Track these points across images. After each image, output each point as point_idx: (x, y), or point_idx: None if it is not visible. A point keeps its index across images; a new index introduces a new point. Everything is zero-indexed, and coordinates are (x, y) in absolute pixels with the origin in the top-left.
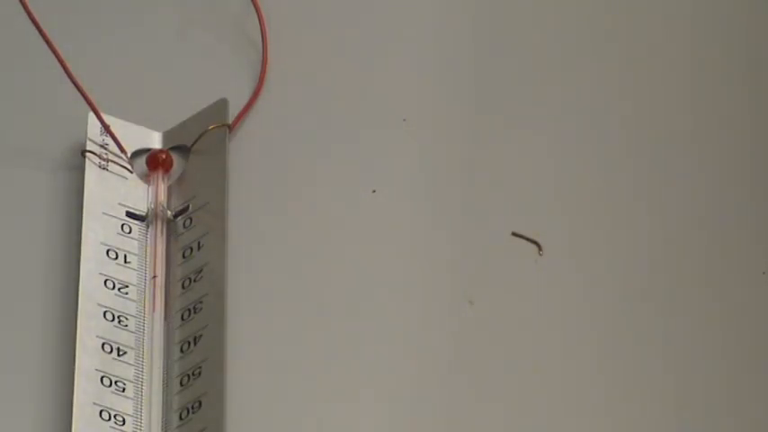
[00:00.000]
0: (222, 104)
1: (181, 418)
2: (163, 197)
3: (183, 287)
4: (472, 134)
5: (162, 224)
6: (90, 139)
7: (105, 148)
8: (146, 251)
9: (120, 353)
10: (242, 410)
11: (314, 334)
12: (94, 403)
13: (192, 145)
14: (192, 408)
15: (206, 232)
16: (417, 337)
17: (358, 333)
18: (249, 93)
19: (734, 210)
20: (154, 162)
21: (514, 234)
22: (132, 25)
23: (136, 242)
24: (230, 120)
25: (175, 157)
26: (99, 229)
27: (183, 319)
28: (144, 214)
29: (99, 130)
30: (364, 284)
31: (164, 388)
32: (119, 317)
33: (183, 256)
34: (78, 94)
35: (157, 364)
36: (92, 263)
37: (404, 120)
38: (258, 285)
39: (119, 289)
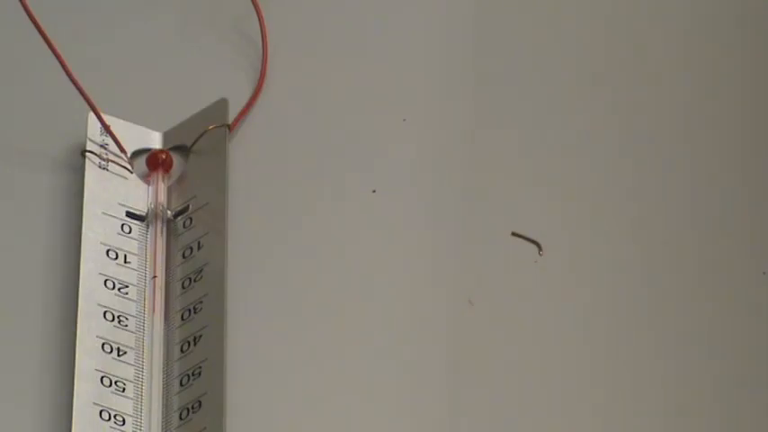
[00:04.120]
0: (222, 104)
1: (181, 418)
2: (163, 197)
3: (183, 287)
4: (472, 134)
5: (162, 224)
6: (90, 139)
7: (105, 148)
8: (146, 251)
9: (120, 353)
10: (242, 410)
11: (314, 334)
12: (94, 403)
13: (192, 145)
14: (192, 408)
15: (206, 232)
16: (417, 337)
17: (358, 333)
18: (249, 93)
19: (733, 210)
20: (154, 162)
21: (514, 234)
22: (132, 25)
23: (136, 242)
24: (230, 120)
25: (175, 157)
26: (99, 229)
27: (183, 319)
28: (144, 214)
29: (99, 130)
30: (364, 284)
31: (164, 388)
32: (119, 317)
33: (183, 256)
34: (78, 94)
35: (157, 364)
36: (92, 263)
37: (404, 120)
38: (258, 285)
39: (119, 289)
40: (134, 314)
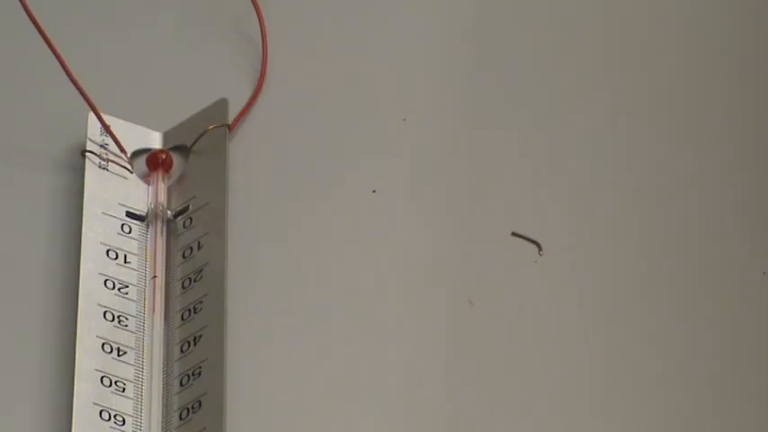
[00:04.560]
0: (222, 104)
1: (181, 418)
2: (163, 197)
3: (183, 287)
4: (472, 134)
5: (162, 224)
6: (90, 139)
7: (105, 148)
8: (146, 251)
9: (120, 353)
10: (242, 410)
11: (314, 334)
12: (94, 403)
13: (192, 145)
14: (192, 408)
15: (206, 232)
16: (417, 337)
17: (358, 333)
18: (249, 93)
19: (734, 210)
20: (154, 162)
21: (514, 234)
22: (132, 25)
23: (136, 242)
24: (230, 120)
25: (175, 157)
26: (99, 229)
27: (183, 319)
28: (144, 214)
29: (99, 130)
30: (364, 284)
31: (164, 388)
32: (119, 317)
33: (183, 256)
34: (78, 94)
35: (157, 364)
36: (92, 263)
37: (404, 120)
38: (258, 285)
39: (119, 289)
40: (134, 314)
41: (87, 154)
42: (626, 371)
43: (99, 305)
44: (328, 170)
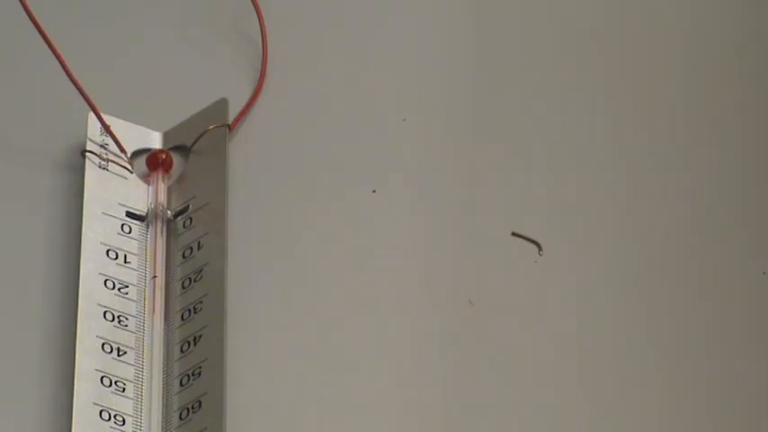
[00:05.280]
0: (222, 104)
1: (181, 418)
2: (163, 197)
3: (183, 287)
4: (472, 134)
5: (162, 224)
6: (90, 139)
7: (105, 148)
8: (146, 251)
9: (120, 353)
10: (242, 410)
11: (313, 334)
12: (94, 403)
13: (192, 145)
14: (192, 408)
15: (206, 232)
16: (417, 337)
17: (357, 333)
18: (249, 93)
19: (734, 210)
20: (154, 162)
21: (514, 234)
22: (132, 25)
23: (136, 242)
24: (230, 120)
25: (175, 157)
26: (99, 229)
27: (183, 319)
28: (144, 214)
29: (99, 130)
30: (364, 284)
31: (164, 388)
32: (119, 317)
33: (183, 256)
34: (78, 94)
35: (157, 364)
36: (92, 263)
37: (404, 120)
38: (258, 285)
39: (119, 289)
40: (134, 314)
41: (87, 154)
42: (626, 370)
43: (99, 305)
44: (328, 170)
